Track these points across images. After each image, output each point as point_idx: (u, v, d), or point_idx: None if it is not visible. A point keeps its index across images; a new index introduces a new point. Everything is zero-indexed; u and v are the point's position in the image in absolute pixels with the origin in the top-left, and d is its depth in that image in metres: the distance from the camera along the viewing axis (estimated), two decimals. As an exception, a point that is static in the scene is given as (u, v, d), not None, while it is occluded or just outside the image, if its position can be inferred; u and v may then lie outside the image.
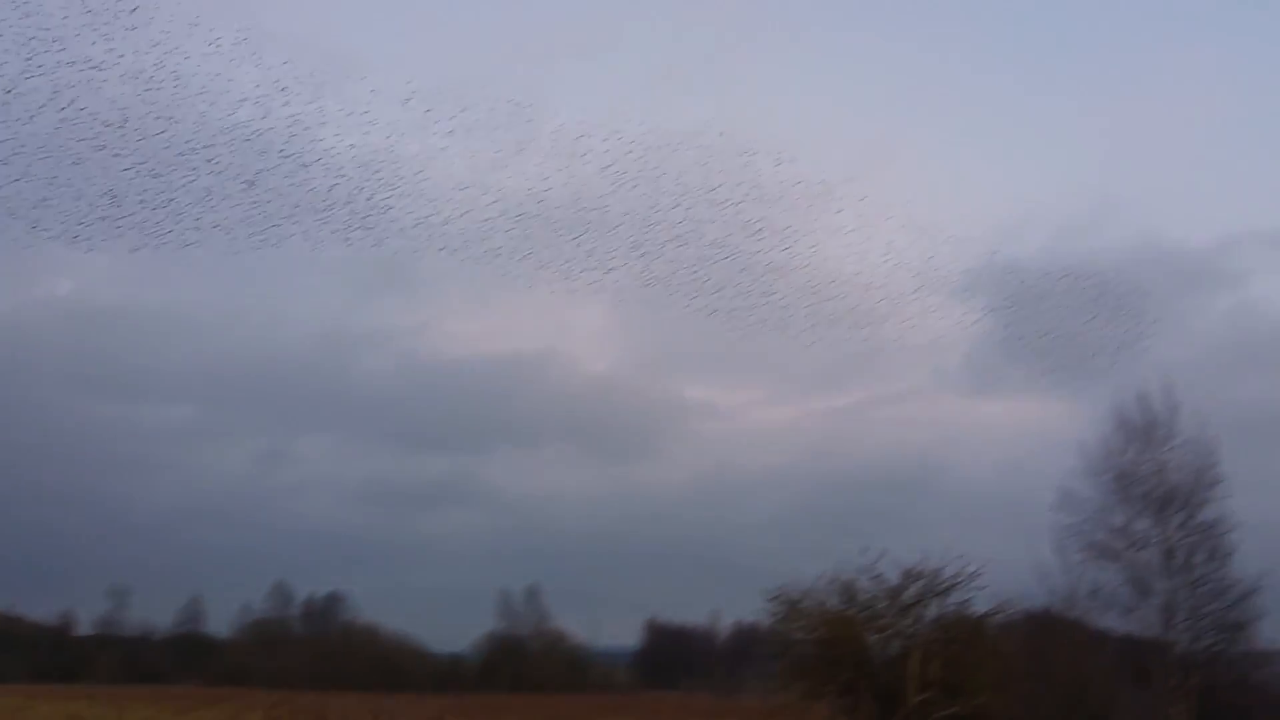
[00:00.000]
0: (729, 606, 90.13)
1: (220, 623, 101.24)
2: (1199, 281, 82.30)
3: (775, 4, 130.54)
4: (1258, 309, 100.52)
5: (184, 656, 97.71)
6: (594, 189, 34.62)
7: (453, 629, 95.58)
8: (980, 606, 34.24)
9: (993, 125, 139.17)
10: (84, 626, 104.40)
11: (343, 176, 32.36)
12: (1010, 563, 40.59)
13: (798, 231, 34.88)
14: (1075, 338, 37.21)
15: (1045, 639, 43.38)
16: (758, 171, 34.13)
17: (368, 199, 32.74)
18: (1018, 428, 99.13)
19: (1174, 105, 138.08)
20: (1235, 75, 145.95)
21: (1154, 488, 41.41)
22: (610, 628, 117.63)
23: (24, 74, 26.17)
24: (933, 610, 33.64)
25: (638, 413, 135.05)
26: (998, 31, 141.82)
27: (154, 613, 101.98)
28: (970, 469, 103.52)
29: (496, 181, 33.67)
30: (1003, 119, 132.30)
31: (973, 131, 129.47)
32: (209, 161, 29.66)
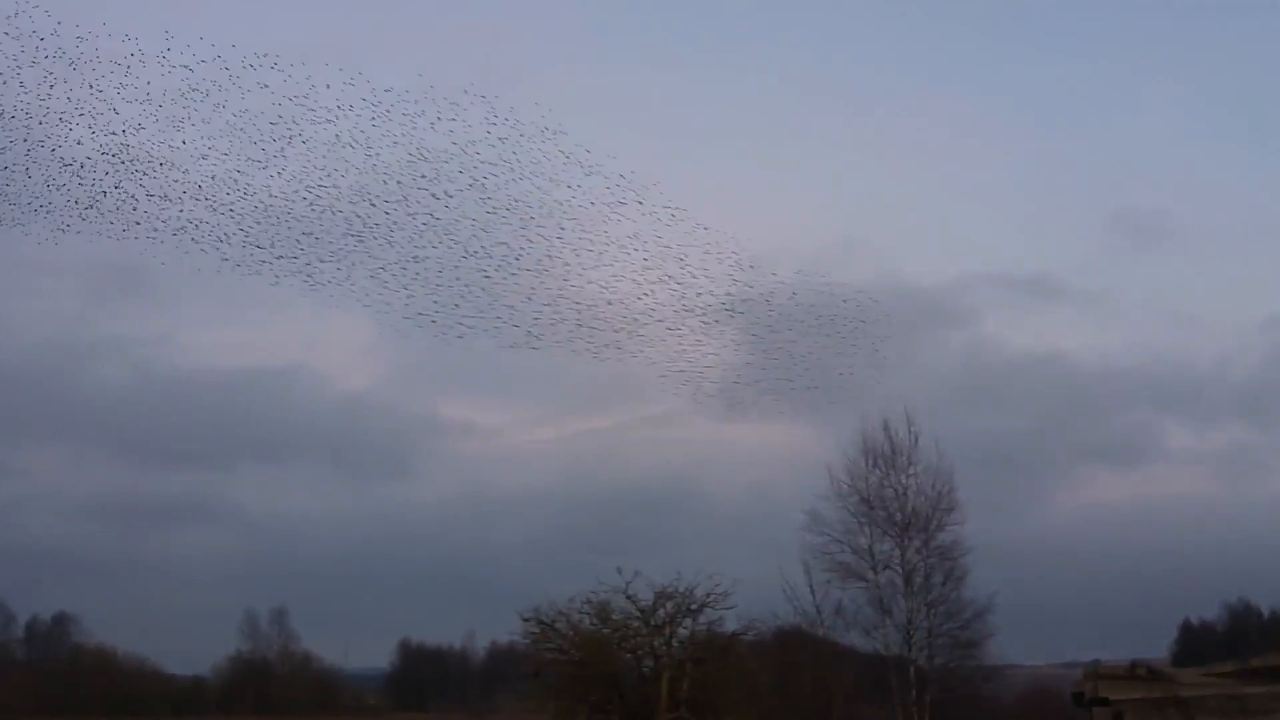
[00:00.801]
0: (485, 627, 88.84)
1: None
2: (935, 318, 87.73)
3: (548, 31, 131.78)
4: (989, 345, 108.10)
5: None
6: (356, 199, 33.23)
7: (194, 652, 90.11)
8: (731, 625, 34.84)
9: (754, 159, 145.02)
10: None
11: (83, 170, 29.68)
12: (761, 582, 41.70)
13: (563, 253, 34.60)
14: (821, 367, 38.80)
15: (792, 656, 44.81)
16: (525, 190, 33.72)
17: (108, 196, 30.16)
18: (768, 452, 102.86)
19: (917, 153, 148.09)
20: (974, 126, 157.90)
21: (896, 511, 43.52)
22: (362, 650, 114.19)
23: None
24: (684, 629, 33.94)
25: (392, 431, 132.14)
26: (761, 69, 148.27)
27: None
28: (722, 491, 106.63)
29: (252, 185, 31.67)
30: (761, 155, 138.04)
31: (735, 164, 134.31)
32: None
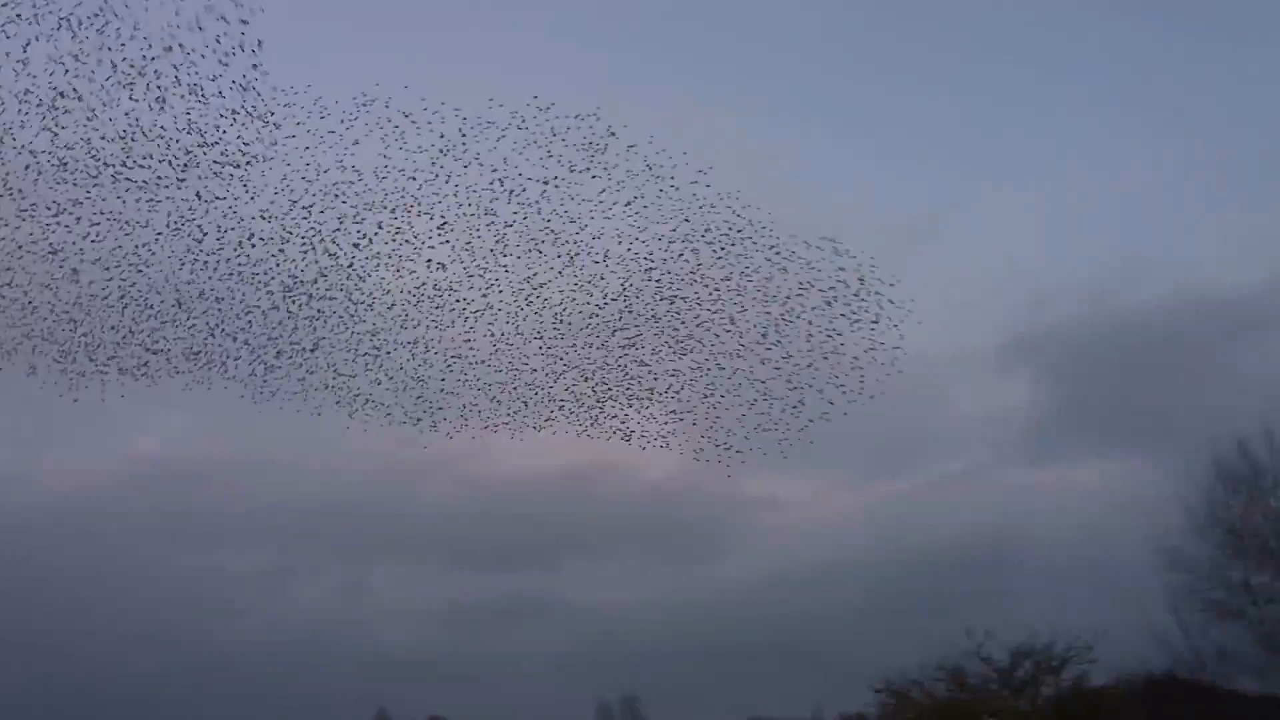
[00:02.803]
0: (828, 700, 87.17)
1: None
2: (1254, 327, 79.45)
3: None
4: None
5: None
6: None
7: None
8: (1098, 679, 32.77)
9: (1012, 197, 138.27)
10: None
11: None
12: (1116, 630, 38.84)
13: (836, 319, 34.13)
14: (1128, 394, 36.05)
15: (1173, 706, 41.28)
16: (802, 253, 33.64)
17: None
18: (1088, 492, 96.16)
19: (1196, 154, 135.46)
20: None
21: (1270, 539, 39.52)
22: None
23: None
24: (1048, 688, 32.26)
25: (700, 513, 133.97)
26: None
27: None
28: (1047, 540, 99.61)
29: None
30: (1020, 191, 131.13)
31: (999, 205, 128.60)
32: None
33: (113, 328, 25.86)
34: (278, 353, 28.02)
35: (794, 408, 32.02)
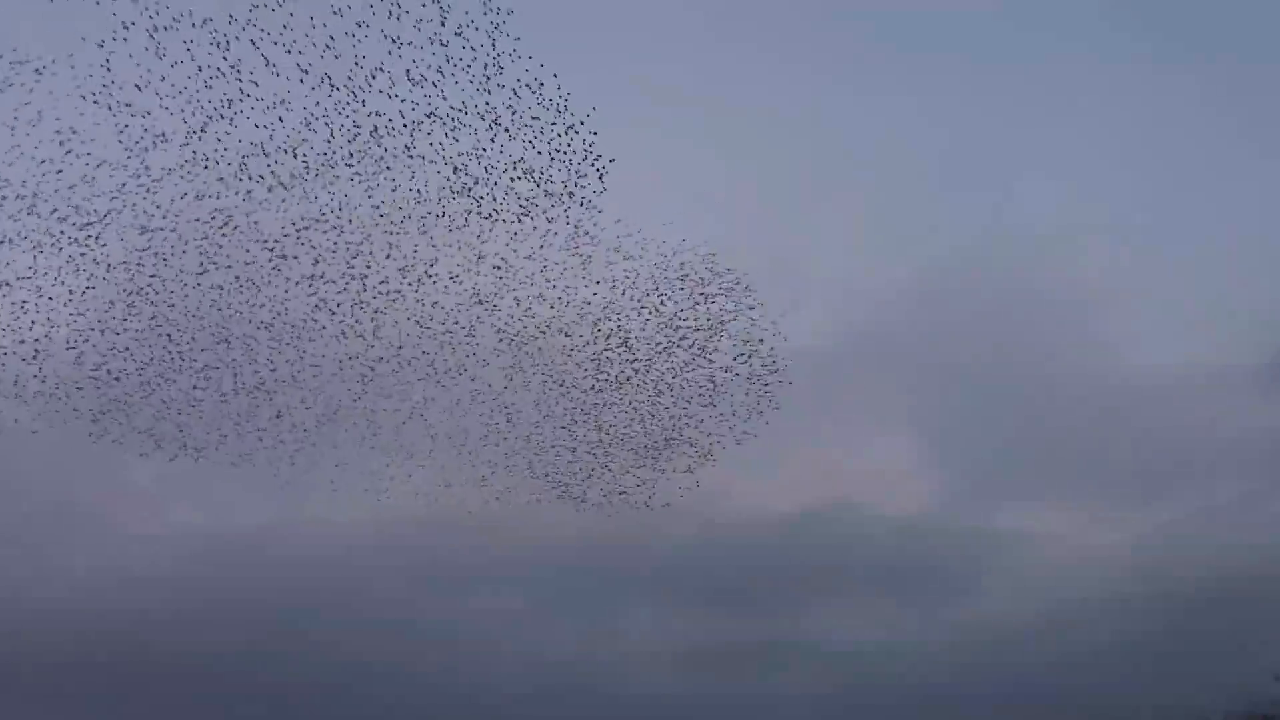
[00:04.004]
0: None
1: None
2: None
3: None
4: None
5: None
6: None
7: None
8: None
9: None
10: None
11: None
12: None
13: (1084, 336, 32.52)
14: None
15: None
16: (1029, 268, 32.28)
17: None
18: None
19: None
20: None
21: None
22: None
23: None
24: None
25: (949, 550, 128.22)
26: None
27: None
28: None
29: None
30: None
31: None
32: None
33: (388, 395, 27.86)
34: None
35: (1044, 435, 30.56)
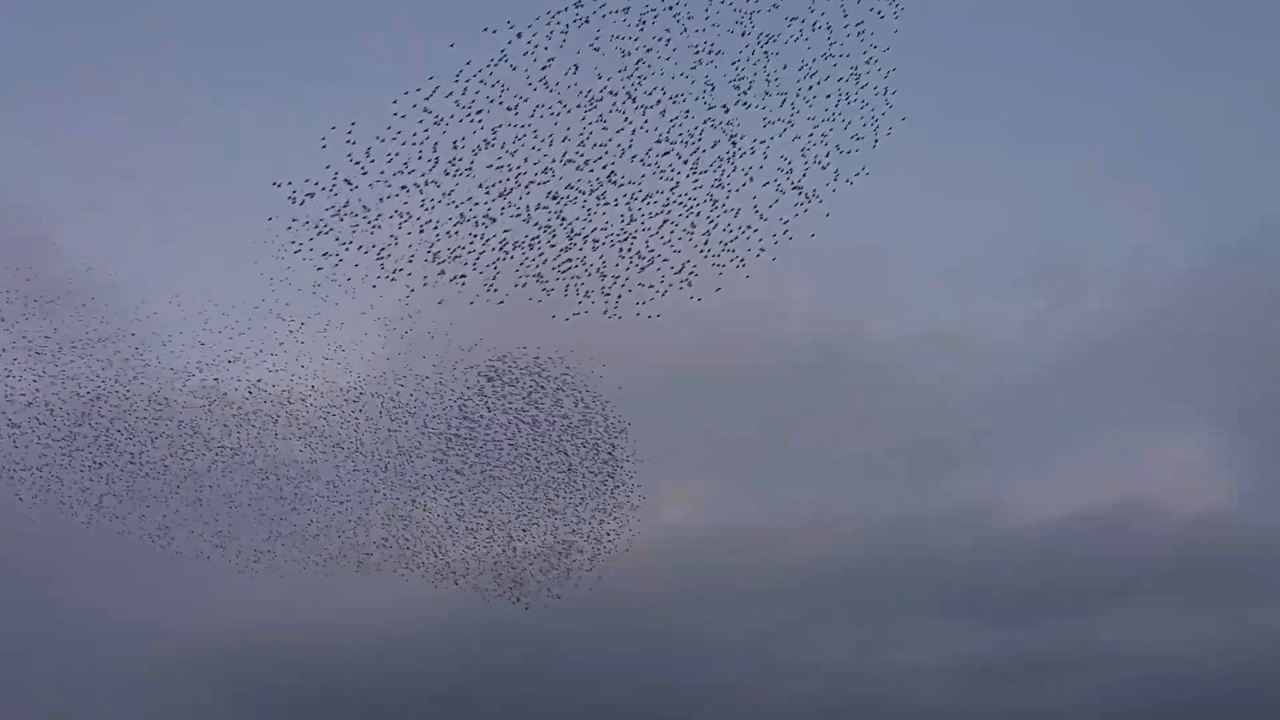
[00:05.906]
0: None
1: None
2: None
3: None
4: None
5: None
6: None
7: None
8: None
9: None
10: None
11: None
12: None
13: None
14: None
15: None
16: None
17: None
18: None
19: None
20: None
21: None
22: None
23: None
24: None
25: (1249, 549, 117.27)
26: None
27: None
28: None
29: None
30: None
31: None
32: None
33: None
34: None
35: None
